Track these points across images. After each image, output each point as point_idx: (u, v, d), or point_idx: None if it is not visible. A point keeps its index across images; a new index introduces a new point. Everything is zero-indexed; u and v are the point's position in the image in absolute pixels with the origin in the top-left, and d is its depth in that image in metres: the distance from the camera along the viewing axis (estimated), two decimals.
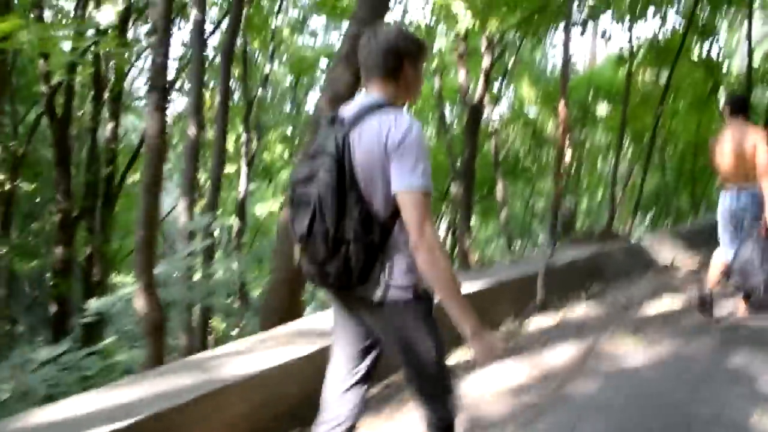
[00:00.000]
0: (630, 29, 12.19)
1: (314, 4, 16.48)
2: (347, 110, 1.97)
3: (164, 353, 5.81)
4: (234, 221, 18.70)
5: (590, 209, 23.91)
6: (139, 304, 5.46)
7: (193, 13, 9.49)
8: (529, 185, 21.81)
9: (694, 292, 5.34)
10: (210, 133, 16.12)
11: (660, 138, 15.60)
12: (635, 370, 4.12)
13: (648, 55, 13.31)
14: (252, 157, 19.79)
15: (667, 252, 8.69)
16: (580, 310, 5.95)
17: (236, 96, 18.54)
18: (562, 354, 4.51)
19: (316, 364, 2.72)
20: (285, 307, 5.67)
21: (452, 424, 2.09)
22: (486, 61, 13.32)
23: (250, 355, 3.35)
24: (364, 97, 2.00)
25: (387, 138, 1.82)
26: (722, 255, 4.85)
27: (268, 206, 20.46)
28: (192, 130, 9.71)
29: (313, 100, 24.31)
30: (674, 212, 18.83)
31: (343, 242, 1.84)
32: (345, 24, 11.33)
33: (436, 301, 1.96)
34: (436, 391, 2.07)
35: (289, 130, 23.49)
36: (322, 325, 3.87)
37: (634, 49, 12.59)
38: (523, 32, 11.69)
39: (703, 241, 8.39)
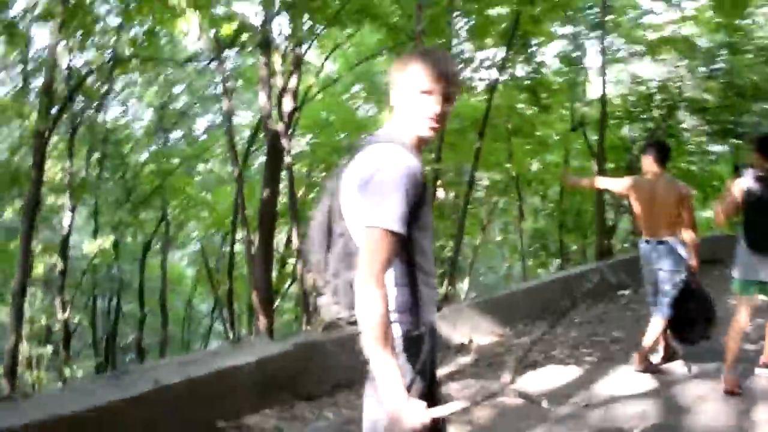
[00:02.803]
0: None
1: None
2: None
3: None
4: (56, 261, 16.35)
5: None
6: None
7: None
8: None
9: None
10: None
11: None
12: None
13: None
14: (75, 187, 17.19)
15: (458, 332, 6.51)
16: None
17: None
18: None
19: None
20: None
21: None
22: (292, 79, 10.87)
23: None
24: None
25: (361, 173, 1.81)
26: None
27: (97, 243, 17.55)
28: None
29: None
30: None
31: (329, 276, 1.89)
32: None
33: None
34: None
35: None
36: None
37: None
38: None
39: (520, 312, 7.26)
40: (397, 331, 1.86)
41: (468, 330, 6.72)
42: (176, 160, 19.58)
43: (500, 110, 11.27)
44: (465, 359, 5.83)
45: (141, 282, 20.98)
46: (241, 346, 5.23)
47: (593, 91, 13.95)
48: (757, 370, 4.61)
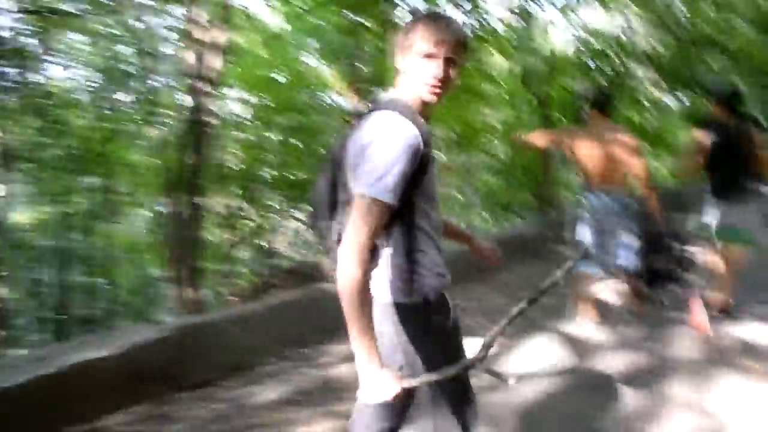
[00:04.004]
0: None
1: None
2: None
3: None
4: None
5: None
6: None
7: None
8: None
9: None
10: None
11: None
12: None
13: None
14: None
15: None
16: None
17: None
18: None
19: None
20: None
21: None
22: (217, 33, 10.08)
23: None
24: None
25: (361, 141, 1.79)
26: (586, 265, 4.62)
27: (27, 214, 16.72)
28: None
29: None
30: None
31: (335, 242, 1.87)
32: None
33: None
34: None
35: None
36: None
37: None
38: None
39: (453, 276, 6.29)
40: (410, 297, 1.91)
41: None
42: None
43: None
44: None
45: (86, 252, 20.25)
46: (112, 335, 4.67)
47: (546, 43, 13.34)
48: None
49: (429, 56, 1.80)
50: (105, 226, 21.13)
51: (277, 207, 19.73)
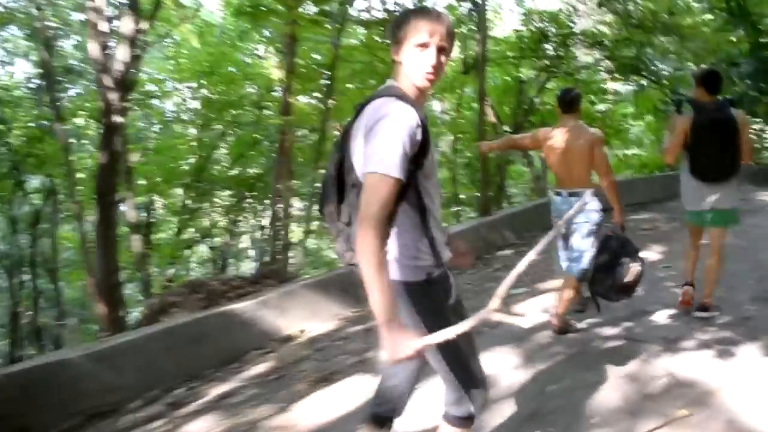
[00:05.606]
0: None
1: None
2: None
3: None
4: None
5: None
6: None
7: None
8: None
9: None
10: None
11: None
12: None
13: None
14: None
15: (290, 319, 5.53)
16: None
17: None
18: None
19: None
20: None
21: (469, 419, 2.16)
22: (126, 23, 9.34)
23: None
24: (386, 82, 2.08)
25: (365, 126, 1.89)
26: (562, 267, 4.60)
27: None
28: None
29: None
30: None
31: (342, 225, 2.02)
32: None
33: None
34: (451, 379, 2.13)
35: None
36: None
37: None
38: None
39: None
40: (418, 275, 2.02)
41: (303, 315, 5.69)
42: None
43: (359, 51, 9.94)
44: (259, 368, 4.67)
45: (32, 256, 19.37)
46: None
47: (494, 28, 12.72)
48: (695, 313, 4.72)
49: (422, 46, 1.93)
50: (53, 229, 20.24)
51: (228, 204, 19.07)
